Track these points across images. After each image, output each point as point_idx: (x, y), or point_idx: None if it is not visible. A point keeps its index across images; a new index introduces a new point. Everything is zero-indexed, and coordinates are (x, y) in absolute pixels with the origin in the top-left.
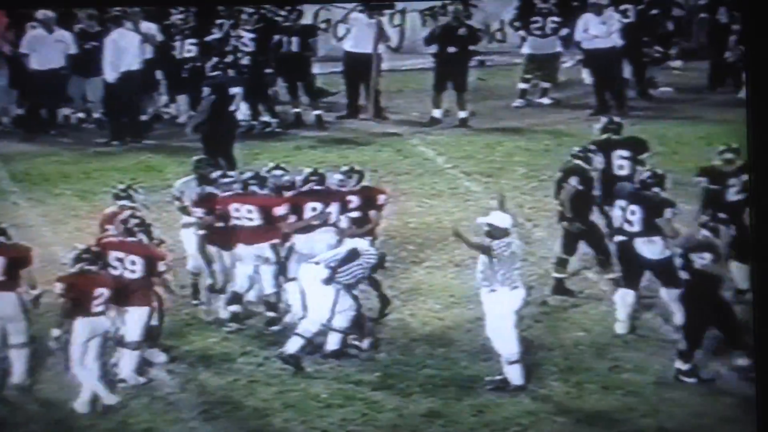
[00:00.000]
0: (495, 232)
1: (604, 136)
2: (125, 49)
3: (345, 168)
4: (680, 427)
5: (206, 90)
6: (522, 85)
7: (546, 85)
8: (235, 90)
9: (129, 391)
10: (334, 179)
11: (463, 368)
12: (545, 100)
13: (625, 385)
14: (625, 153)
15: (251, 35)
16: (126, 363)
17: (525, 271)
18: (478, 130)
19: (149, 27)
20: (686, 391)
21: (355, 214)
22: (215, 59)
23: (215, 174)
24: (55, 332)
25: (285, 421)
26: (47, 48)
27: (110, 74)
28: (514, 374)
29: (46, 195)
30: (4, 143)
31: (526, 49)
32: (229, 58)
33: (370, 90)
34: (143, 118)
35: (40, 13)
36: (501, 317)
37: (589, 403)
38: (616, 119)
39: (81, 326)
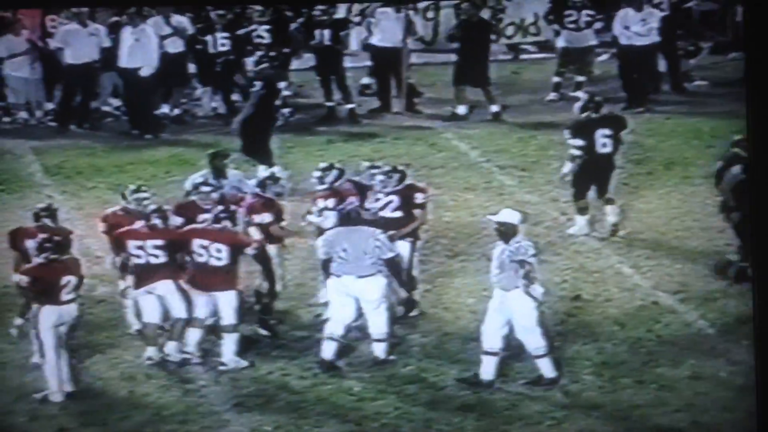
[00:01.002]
0: (506, 230)
1: (584, 114)
2: (144, 45)
3: (386, 168)
4: (713, 422)
5: (258, 84)
6: (556, 79)
7: (580, 78)
8: (282, 84)
9: (164, 382)
10: (375, 180)
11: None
12: (580, 94)
13: (659, 379)
14: (607, 131)
15: (266, 27)
16: (226, 347)
17: (559, 264)
18: (511, 123)
19: (180, 20)
20: (720, 385)
21: (397, 214)
22: (259, 53)
23: (197, 181)
24: (18, 321)
25: (318, 415)
26: (81, 42)
27: (145, 69)
28: (546, 367)
29: (80, 188)
30: (38, 137)
31: (560, 43)
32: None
33: (401, 84)
34: (176, 111)
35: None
36: (525, 315)
37: (623, 397)
38: (597, 98)
39: (48, 314)
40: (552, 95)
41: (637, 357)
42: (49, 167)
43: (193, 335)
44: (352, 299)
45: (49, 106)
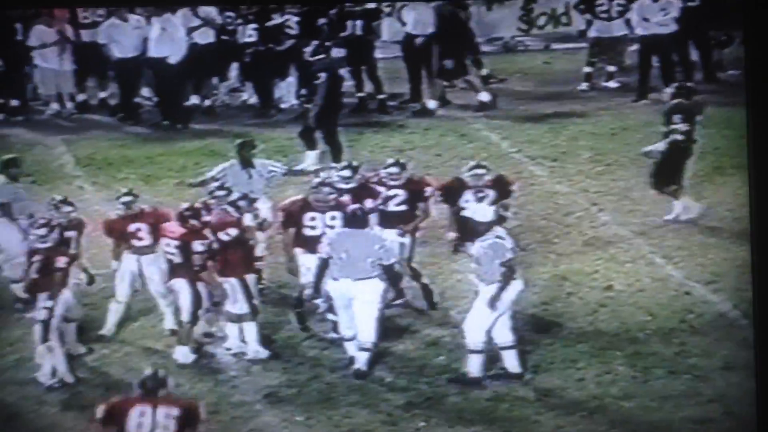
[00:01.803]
0: (477, 227)
1: (675, 101)
2: (171, 34)
3: (390, 161)
4: (746, 413)
5: (323, 75)
6: (587, 69)
7: (612, 68)
8: (343, 71)
9: (194, 374)
10: (383, 174)
11: (525, 353)
12: (611, 84)
13: (691, 370)
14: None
15: (296, 18)
16: (248, 336)
17: (591, 255)
18: (542, 114)
19: (208, 11)
20: (753, 376)
21: (402, 208)
22: (315, 43)
23: (212, 185)
24: (49, 303)
25: (349, 405)
26: (126, 36)
27: (173, 57)
28: (474, 365)
29: (111, 179)
30: (69, 128)
31: (591, 33)
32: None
33: (432, 74)
34: (206, 103)
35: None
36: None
37: (656, 387)
38: (687, 84)
39: (64, 300)
40: (583, 85)
41: (670, 347)
42: (80, 158)
43: (231, 331)
44: (351, 302)
45: (81, 97)
